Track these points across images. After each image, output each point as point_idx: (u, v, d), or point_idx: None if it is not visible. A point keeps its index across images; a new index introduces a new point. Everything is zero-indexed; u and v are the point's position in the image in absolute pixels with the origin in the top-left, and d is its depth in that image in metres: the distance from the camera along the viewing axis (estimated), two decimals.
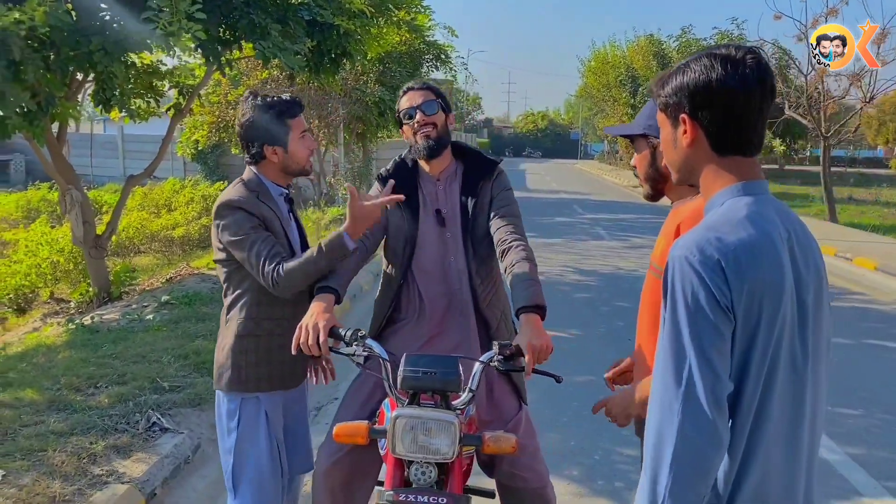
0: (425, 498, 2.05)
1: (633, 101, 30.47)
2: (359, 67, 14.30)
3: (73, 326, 6.42)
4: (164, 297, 7.21)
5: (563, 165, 51.10)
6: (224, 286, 2.67)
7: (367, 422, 2.23)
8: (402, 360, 2.15)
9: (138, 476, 3.53)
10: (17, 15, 5.27)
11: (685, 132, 1.44)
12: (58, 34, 5.78)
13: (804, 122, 19.50)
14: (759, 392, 1.33)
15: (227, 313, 2.67)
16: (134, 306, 7.29)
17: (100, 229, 8.45)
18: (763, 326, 1.31)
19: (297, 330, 2.29)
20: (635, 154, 2.18)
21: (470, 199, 2.69)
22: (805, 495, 1.42)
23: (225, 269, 2.64)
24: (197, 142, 17.65)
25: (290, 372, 2.65)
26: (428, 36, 15.75)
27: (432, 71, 18.90)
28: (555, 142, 72.38)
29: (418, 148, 2.66)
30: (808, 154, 31.09)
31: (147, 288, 8.98)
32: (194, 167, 24.64)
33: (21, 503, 3.21)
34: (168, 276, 9.56)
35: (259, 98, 2.61)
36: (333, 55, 8.92)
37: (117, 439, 3.85)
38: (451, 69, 18.66)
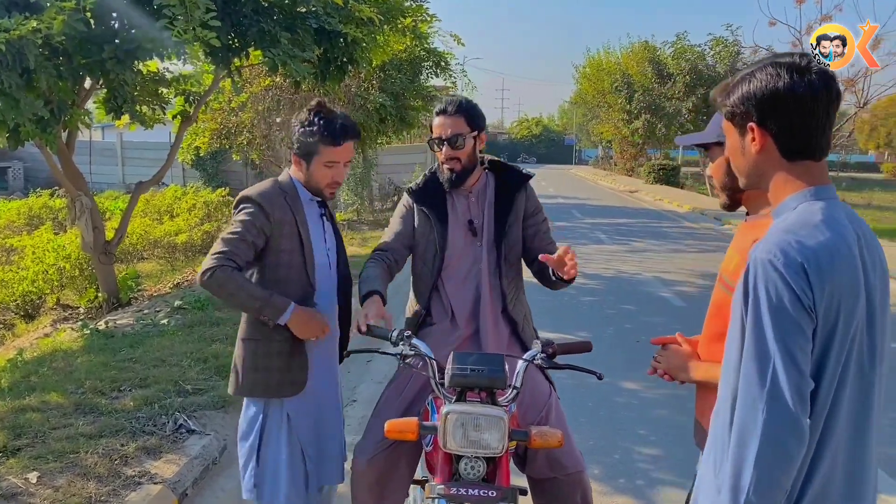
0: (475, 491, 2.12)
1: (628, 106, 30.62)
2: (362, 75, 14.39)
3: (88, 332, 6.47)
4: (177, 302, 7.26)
5: (558, 171, 51.25)
6: None
7: (416, 418, 2.31)
8: (451, 358, 2.24)
9: (170, 477, 3.59)
10: (34, 24, 5.33)
11: (753, 140, 1.49)
12: (71, 42, 5.84)
13: None
14: (833, 391, 1.39)
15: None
16: (146, 311, 7.34)
17: (108, 235, 8.50)
18: (840, 327, 1.37)
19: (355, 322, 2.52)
20: (710, 163, 2.15)
21: (505, 210, 2.81)
22: (872, 495, 1.49)
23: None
24: (198, 148, 17.72)
25: (289, 380, 2.70)
26: (428, 43, 15.83)
27: (432, 77, 18.99)
28: (549, 147, 72.56)
29: (444, 178, 2.80)
30: None
31: (154, 293, 9.03)
32: (193, 173, 24.69)
33: None
34: (176, 282, 9.62)
35: (317, 113, 2.67)
36: (339, 62, 9.01)
37: (146, 441, 3.91)
38: (450, 76, 18.72)
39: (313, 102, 2.74)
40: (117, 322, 6.88)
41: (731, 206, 2.15)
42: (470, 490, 2.13)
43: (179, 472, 3.66)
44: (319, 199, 2.82)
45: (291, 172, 2.77)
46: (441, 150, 2.74)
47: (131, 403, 4.39)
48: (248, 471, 2.73)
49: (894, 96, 18.99)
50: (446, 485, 2.15)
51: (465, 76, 19.91)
